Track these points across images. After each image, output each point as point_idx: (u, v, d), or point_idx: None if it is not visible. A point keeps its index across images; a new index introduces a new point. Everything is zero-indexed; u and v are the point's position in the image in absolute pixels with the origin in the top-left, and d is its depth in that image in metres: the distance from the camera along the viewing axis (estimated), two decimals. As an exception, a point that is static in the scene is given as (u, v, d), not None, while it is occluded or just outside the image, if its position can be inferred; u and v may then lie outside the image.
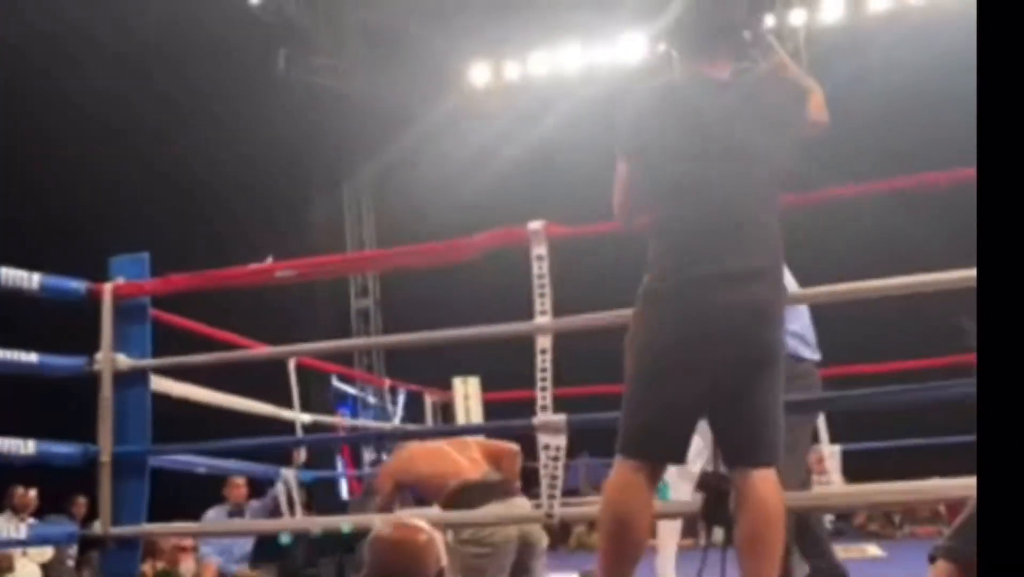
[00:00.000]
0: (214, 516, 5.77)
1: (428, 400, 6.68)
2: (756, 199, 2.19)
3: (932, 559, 1.55)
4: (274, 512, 5.39)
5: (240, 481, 5.94)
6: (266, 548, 6.20)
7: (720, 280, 2.11)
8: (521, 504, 3.37)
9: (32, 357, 3.32)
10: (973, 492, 1.56)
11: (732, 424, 2.13)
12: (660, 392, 2.14)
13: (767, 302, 2.13)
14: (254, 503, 5.94)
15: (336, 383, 7.96)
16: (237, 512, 5.88)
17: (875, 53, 8.10)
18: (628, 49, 8.72)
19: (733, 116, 2.21)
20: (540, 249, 2.98)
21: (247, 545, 6.04)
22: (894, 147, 7.55)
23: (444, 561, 1.87)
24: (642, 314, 2.22)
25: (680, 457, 2.23)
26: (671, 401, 2.13)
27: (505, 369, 4.24)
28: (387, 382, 7.77)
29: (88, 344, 3.46)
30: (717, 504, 2.20)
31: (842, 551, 5.75)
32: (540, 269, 2.99)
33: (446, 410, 6.77)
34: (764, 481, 2.09)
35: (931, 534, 6.48)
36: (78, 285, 3.50)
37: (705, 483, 2.30)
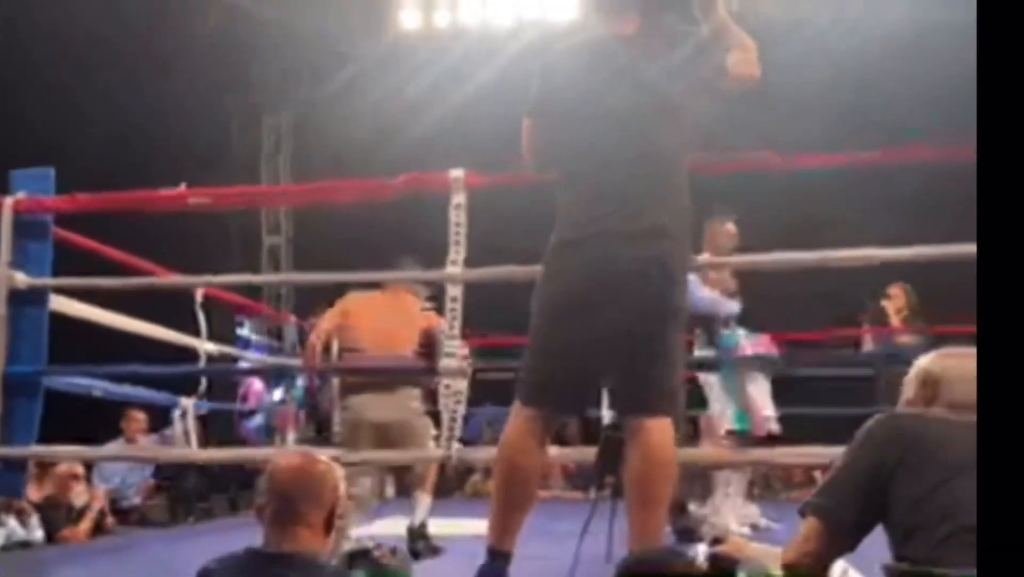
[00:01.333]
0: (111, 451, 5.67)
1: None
2: (664, 157, 2.22)
3: (802, 513, 1.66)
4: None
5: (139, 415, 5.86)
6: (161, 482, 6.15)
7: (624, 236, 2.15)
8: (401, 396, 3.81)
9: (-78, 269, 3.20)
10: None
11: (630, 373, 2.18)
12: (557, 341, 2.19)
13: (670, 258, 2.17)
14: (152, 437, 5.87)
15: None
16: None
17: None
18: (558, 5, 8.74)
19: (640, 72, 2.23)
20: (459, 197, 3.01)
21: (142, 477, 5.98)
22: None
23: (341, 490, 1.89)
24: (547, 266, 2.27)
25: (575, 408, 2.30)
26: (567, 351, 2.18)
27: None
28: (292, 319, 7.71)
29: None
30: (610, 455, 2.26)
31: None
32: (457, 217, 3.02)
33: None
34: (657, 430, 2.14)
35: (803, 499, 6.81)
36: (-26, 197, 3.38)
37: (602, 435, 2.36)
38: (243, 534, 3.34)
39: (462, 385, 2.94)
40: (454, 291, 3.02)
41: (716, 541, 1.72)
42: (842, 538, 1.61)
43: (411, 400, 3.88)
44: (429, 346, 3.83)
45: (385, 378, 3.83)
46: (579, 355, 2.18)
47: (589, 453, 2.40)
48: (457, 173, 3.03)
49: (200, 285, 4.13)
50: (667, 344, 2.18)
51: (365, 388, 3.85)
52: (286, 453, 1.93)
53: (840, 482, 1.62)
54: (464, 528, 4.19)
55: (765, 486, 7.28)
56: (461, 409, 2.96)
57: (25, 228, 3.38)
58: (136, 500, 5.95)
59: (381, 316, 3.94)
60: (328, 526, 1.83)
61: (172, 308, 4.57)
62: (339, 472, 1.90)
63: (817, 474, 7.01)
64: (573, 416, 2.47)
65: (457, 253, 3.02)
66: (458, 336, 3.03)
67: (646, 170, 2.20)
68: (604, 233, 2.17)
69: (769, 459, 3.75)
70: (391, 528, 4.60)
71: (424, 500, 3.97)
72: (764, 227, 4.94)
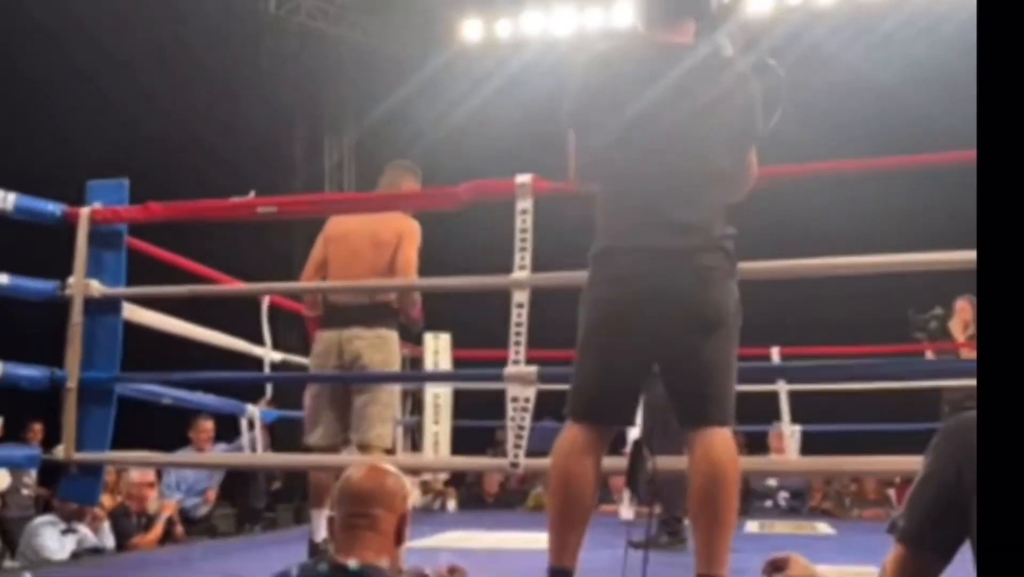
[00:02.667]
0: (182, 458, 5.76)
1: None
2: (704, 168, 2.17)
3: (891, 533, 1.57)
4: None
5: (207, 425, 5.94)
6: (228, 490, 6.24)
7: (663, 246, 2.11)
8: (351, 332, 3.49)
9: (3, 279, 3.28)
10: (916, 468, 1.58)
11: (682, 384, 2.13)
12: (602, 354, 2.15)
13: (709, 268, 2.12)
14: (220, 446, 5.95)
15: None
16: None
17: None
18: (621, 13, 8.68)
19: (679, 78, 2.16)
20: (525, 203, 2.99)
21: (209, 483, 6.05)
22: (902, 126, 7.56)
23: (410, 503, 1.90)
24: (589, 277, 2.24)
25: (624, 420, 2.23)
26: (612, 363, 2.14)
27: (476, 328, 4.25)
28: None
29: (62, 269, 3.42)
30: (636, 470, 2.19)
31: (795, 527, 5.88)
32: (523, 223, 3.00)
33: (415, 364, 6.78)
34: (716, 440, 2.08)
35: (878, 517, 6.63)
36: (54, 208, 3.46)
37: (630, 448, 2.29)
38: (307, 545, 3.37)
39: (530, 393, 2.91)
40: (520, 297, 3.00)
41: (776, 566, 1.65)
42: (927, 560, 1.52)
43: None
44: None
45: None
46: (623, 367, 2.14)
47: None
48: (524, 178, 3.01)
49: (266, 292, 4.18)
50: (712, 354, 2.11)
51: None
52: (356, 467, 1.94)
53: (915, 500, 1.53)
54: (526, 542, 4.15)
55: (837, 503, 7.09)
56: (527, 419, 2.92)
57: (101, 238, 3.45)
58: (204, 509, 6.03)
59: (353, 240, 3.60)
60: (399, 534, 1.84)
61: (238, 316, 4.63)
62: (409, 482, 1.92)
63: (891, 492, 6.81)
64: (625, 428, 2.39)
65: (523, 259, 3.00)
66: (524, 343, 3.00)
67: (687, 183, 2.15)
68: (642, 245, 2.13)
69: (836, 468, 3.64)
70: (453, 541, 4.59)
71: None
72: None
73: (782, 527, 5.95)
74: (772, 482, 7.11)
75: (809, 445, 6.36)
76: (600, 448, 2.17)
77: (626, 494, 4.56)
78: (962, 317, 5.78)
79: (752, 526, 5.98)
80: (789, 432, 6.18)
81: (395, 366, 3.62)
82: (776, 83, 2.24)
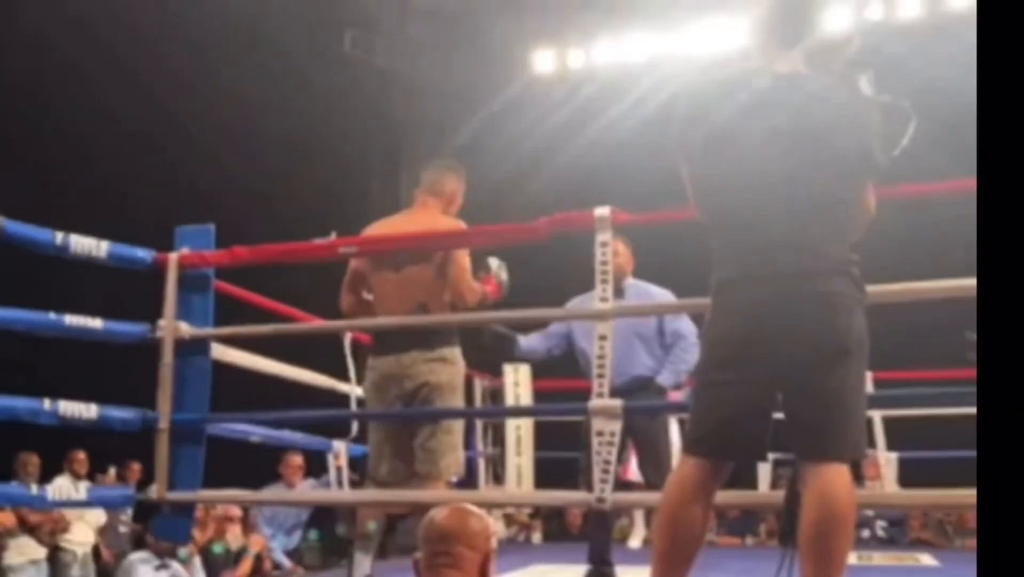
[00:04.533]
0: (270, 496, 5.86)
1: (478, 384, 6.68)
2: (822, 192, 2.10)
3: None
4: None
5: (296, 461, 6.01)
6: (316, 529, 6.32)
7: (782, 271, 2.06)
8: (411, 356, 3.29)
9: (97, 323, 3.39)
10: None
11: (801, 417, 2.06)
12: (721, 388, 2.09)
13: (834, 294, 2.05)
14: (309, 482, 6.02)
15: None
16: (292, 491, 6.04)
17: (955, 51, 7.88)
18: (693, 40, 8.61)
19: (797, 106, 2.12)
20: (605, 236, 2.97)
21: (299, 520, 6.13)
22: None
23: (494, 544, 1.89)
24: (712, 308, 2.18)
25: (744, 455, 2.16)
26: (731, 397, 2.08)
27: (555, 358, 4.21)
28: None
29: (152, 313, 3.52)
30: (794, 505, 2.10)
31: (895, 559, 5.65)
32: (603, 255, 2.97)
33: (495, 396, 6.77)
34: (833, 476, 2.01)
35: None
36: (145, 254, 3.57)
37: (788, 484, 2.22)
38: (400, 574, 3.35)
39: (615, 426, 2.86)
40: (603, 328, 2.96)
41: None
42: None
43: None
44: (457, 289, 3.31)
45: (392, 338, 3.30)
46: (743, 402, 2.07)
47: (754, 497, 2.26)
48: (603, 211, 2.98)
49: (348, 329, 4.21)
50: (836, 385, 2.03)
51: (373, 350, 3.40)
52: (440, 508, 1.94)
53: None
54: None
55: (939, 532, 6.80)
56: (613, 453, 2.87)
57: (189, 281, 3.53)
58: (294, 544, 6.11)
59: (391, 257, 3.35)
60: (483, 572, 1.84)
61: (322, 353, 4.69)
62: (492, 522, 1.92)
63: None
64: (744, 463, 2.31)
65: (605, 291, 2.97)
66: (608, 376, 2.96)
67: (803, 210, 2.09)
68: (762, 272, 2.08)
69: (936, 501, 3.49)
70: (538, 575, 4.53)
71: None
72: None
73: (881, 559, 5.72)
74: (869, 511, 6.86)
75: (906, 471, 6.14)
76: (713, 485, 2.12)
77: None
78: None
79: (849, 557, 5.77)
80: (885, 460, 5.98)
81: (461, 386, 3.42)
82: (902, 118, 2.18)
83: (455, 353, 3.35)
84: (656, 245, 4.44)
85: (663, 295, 3.87)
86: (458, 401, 3.39)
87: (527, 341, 4.05)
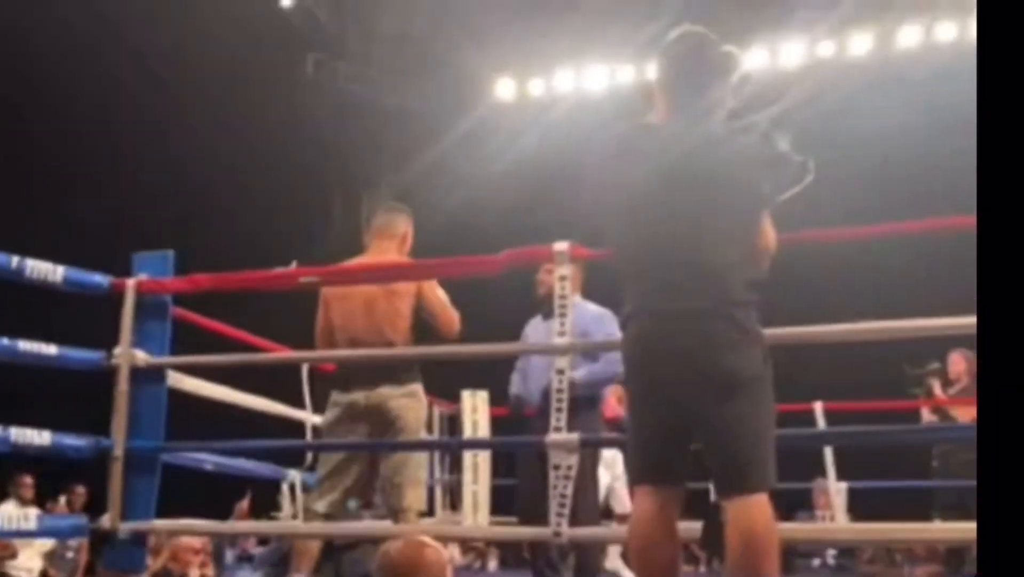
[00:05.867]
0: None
1: (436, 411, 6.67)
2: (714, 235, 2.20)
3: None
4: (280, 559, 5.82)
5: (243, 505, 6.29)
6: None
7: (670, 309, 2.15)
8: (381, 393, 3.42)
9: (52, 349, 3.35)
10: (972, 536, 1.57)
11: (709, 454, 2.14)
12: (640, 416, 2.22)
13: (721, 334, 2.13)
14: (261, 550, 6.22)
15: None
16: (246, 558, 6.51)
17: (902, 89, 8.11)
18: (653, 70, 8.77)
19: (694, 153, 2.24)
20: (564, 269, 3.01)
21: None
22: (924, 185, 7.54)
23: (449, 572, 1.91)
24: (622, 344, 2.32)
25: (667, 481, 2.20)
26: (650, 424, 2.19)
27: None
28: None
29: (109, 339, 3.48)
30: (713, 533, 2.18)
31: (845, 587, 5.74)
32: (562, 289, 3.01)
33: (452, 422, 6.76)
34: (749, 508, 2.06)
35: (932, 575, 6.44)
36: (101, 279, 3.53)
37: (706, 512, 2.28)
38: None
39: (572, 460, 2.89)
40: (561, 362, 3.00)
41: None
42: None
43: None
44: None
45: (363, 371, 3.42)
46: (659, 428, 2.18)
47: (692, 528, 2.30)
48: (561, 246, 3.02)
49: (305, 360, 4.21)
50: (733, 421, 2.09)
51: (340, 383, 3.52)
52: (395, 541, 1.95)
53: None
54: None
55: (889, 561, 6.91)
56: (570, 487, 2.90)
57: (146, 308, 3.51)
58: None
59: (359, 294, 3.51)
60: None
61: (277, 380, 4.68)
62: (447, 557, 1.94)
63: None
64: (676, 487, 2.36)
65: (563, 325, 3.01)
66: (565, 409, 2.99)
67: (696, 250, 2.19)
68: (655, 308, 2.19)
69: (886, 536, 3.57)
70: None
71: None
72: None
73: (831, 587, 5.81)
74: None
75: (855, 500, 6.25)
76: (670, 510, 2.17)
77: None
78: (954, 369, 5.72)
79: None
80: (835, 489, 6.08)
81: (423, 421, 3.54)
82: (799, 170, 2.28)
83: (420, 389, 3.50)
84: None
85: (600, 314, 3.92)
86: (422, 436, 3.48)
87: (516, 388, 4.13)
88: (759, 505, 2.07)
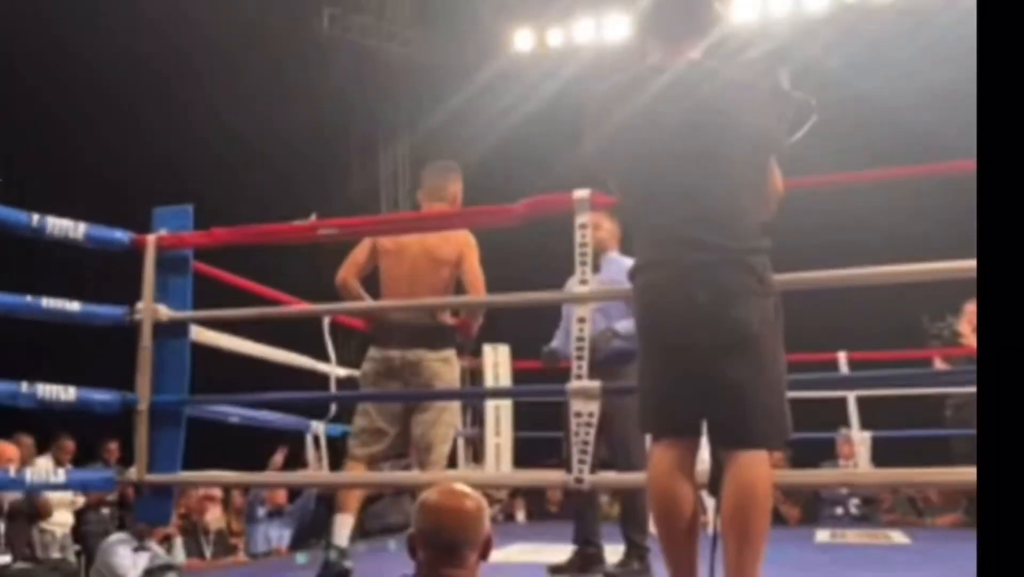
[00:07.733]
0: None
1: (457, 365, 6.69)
2: (726, 182, 2.15)
3: None
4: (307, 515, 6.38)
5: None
6: (303, 537, 6.55)
7: (682, 261, 2.11)
8: (417, 353, 3.52)
9: (75, 306, 3.37)
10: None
11: (711, 407, 2.10)
12: (652, 367, 2.18)
13: (731, 284, 2.08)
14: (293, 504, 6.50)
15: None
16: (277, 512, 6.72)
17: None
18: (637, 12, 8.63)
19: (699, 93, 2.17)
20: (584, 217, 2.98)
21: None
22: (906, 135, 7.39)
23: (489, 527, 1.89)
24: (633, 295, 2.28)
25: (694, 431, 2.17)
26: (662, 375, 2.15)
27: (536, 338, 4.24)
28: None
29: (131, 295, 3.50)
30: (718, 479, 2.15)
31: (868, 536, 5.74)
32: (583, 237, 2.98)
33: (475, 377, 6.79)
34: (749, 463, 2.04)
35: (954, 523, 6.44)
36: (122, 235, 3.54)
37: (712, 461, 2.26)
38: (371, 558, 3.36)
39: (593, 407, 2.88)
40: (582, 311, 2.98)
41: None
42: None
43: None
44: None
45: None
46: (670, 379, 2.14)
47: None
48: (582, 193, 2.99)
49: (330, 313, 4.21)
50: (737, 375, 2.06)
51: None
52: (431, 490, 1.93)
53: None
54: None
55: (910, 508, 6.91)
56: (591, 434, 2.90)
57: (167, 263, 3.51)
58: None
59: (410, 255, 3.58)
60: (484, 555, 1.87)
61: (300, 333, 4.69)
62: (487, 507, 1.93)
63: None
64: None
65: (584, 273, 2.99)
66: (586, 357, 2.98)
67: (704, 198, 2.14)
68: (665, 260, 2.14)
69: (906, 479, 3.56)
70: (519, 556, 4.57)
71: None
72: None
73: (855, 536, 5.81)
74: (843, 489, 6.96)
75: (879, 449, 6.24)
76: (689, 461, 2.15)
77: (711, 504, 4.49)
78: (970, 320, 5.73)
79: (823, 535, 5.85)
80: (859, 439, 6.06)
81: (457, 384, 3.67)
82: (804, 111, 2.22)
83: (454, 355, 3.62)
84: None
85: None
86: (455, 401, 3.60)
87: (556, 343, 4.12)
88: (758, 461, 2.05)
